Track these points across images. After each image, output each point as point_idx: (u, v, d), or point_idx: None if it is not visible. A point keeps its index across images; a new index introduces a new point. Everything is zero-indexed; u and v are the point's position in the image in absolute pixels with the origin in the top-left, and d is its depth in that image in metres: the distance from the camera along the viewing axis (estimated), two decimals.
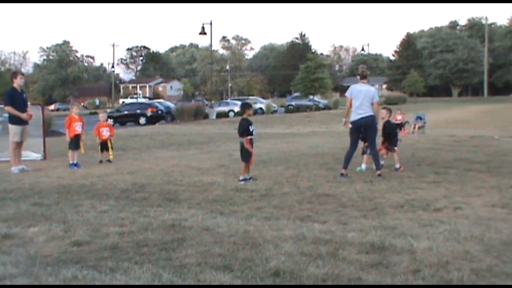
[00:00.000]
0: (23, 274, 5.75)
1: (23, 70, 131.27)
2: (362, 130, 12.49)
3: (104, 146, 16.28)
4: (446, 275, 5.45)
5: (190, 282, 5.41)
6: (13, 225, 8.08)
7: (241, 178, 11.82)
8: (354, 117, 12.32)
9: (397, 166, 13.02)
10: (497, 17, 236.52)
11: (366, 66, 14.00)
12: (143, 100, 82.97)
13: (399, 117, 27.75)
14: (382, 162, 12.75)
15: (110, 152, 16.25)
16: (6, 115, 15.33)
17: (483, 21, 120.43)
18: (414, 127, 27.83)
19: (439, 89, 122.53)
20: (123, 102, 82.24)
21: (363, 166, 13.18)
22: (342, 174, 12.05)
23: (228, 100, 73.17)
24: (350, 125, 12.55)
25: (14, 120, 14.74)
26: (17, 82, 14.98)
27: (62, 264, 6.08)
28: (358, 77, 12.72)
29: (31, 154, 17.43)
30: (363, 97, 12.20)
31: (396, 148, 13.43)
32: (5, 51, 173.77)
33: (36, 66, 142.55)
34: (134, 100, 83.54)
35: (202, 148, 20.37)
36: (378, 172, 12.08)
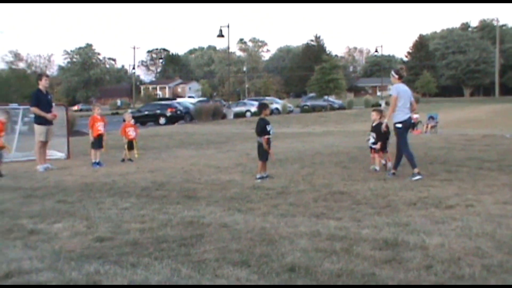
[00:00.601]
0: (48, 268, 5.80)
1: (48, 72, 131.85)
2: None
3: (130, 145, 16.40)
4: (458, 271, 5.43)
5: (208, 277, 5.42)
6: (39, 221, 8.16)
7: (258, 176, 11.83)
8: (402, 116, 11.71)
9: (377, 168, 12.78)
10: (508, 19, 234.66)
11: (404, 67, 13.29)
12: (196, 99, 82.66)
13: (415, 116, 27.61)
14: (388, 163, 12.73)
15: (135, 151, 16.36)
16: (32, 115, 15.46)
17: (495, 23, 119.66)
18: (427, 127, 27.67)
19: (451, 90, 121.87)
20: (176, 101, 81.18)
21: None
22: (419, 173, 11.37)
23: (245, 101, 73.10)
24: (399, 125, 11.74)
25: (39, 120, 14.87)
26: (42, 84, 15.13)
27: (85, 259, 6.12)
28: (396, 76, 12.08)
29: (55, 153, 17.57)
30: (407, 97, 11.84)
31: (387, 151, 13.08)
32: (31, 54, 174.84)
33: (60, 68, 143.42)
34: (191, 100, 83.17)
35: (220, 147, 20.38)
36: (393, 171, 11.91)
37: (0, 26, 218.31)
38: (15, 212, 8.96)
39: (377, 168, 12.77)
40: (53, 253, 6.39)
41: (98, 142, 15.40)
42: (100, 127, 15.58)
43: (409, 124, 12.06)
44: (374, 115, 13.31)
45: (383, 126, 12.36)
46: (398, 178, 11.44)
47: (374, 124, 13.21)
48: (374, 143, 13.01)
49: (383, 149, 12.99)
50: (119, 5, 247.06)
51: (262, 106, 12.80)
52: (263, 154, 11.89)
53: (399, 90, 11.80)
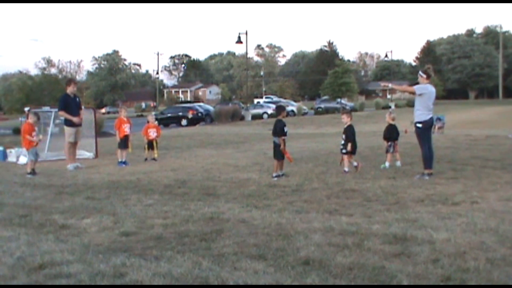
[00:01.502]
0: (78, 260, 5.84)
1: (77, 77, 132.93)
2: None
3: (150, 145, 16.42)
4: (463, 264, 5.40)
5: (228, 269, 5.43)
6: (69, 217, 8.22)
7: (274, 174, 11.82)
8: (425, 117, 11.30)
9: (346, 169, 12.27)
10: (511, 26, 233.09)
11: (431, 67, 12.38)
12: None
13: None
14: (346, 168, 12.22)
15: (155, 151, 16.37)
16: (62, 118, 15.58)
17: (498, 29, 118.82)
18: (434, 128, 27.44)
19: (457, 92, 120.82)
20: (258, 102, 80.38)
21: (387, 164, 13.02)
22: (428, 174, 11.12)
23: (262, 103, 73.01)
24: (419, 125, 11.33)
25: (68, 122, 14.97)
26: (70, 90, 15.26)
27: (112, 252, 6.16)
28: (424, 76, 11.53)
29: (84, 153, 17.67)
30: (432, 99, 11.40)
31: (353, 154, 12.66)
32: (63, 61, 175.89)
33: (89, 73, 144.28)
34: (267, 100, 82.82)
35: (238, 147, 20.39)
36: (428, 171, 11.27)
37: (36, 34, 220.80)
38: (48, 208, 9.04)
39: (346, 169, 12.28)
40: (82, 247, 6.43)
41: (124, 143, 15.47)
42: (126, 128, 15.66)
43: (429, 125, 11.61)
44: (345, 118, 12.89)
45: (413, 128, 11.58)
46: (406, 177, 11.39)
47: (345, 127, 12.82)
48: (343, 145, 12.55)
49: (353, 151, 12.55)
50: (143, 14, 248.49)
51: (280, 108, 12.77)
52: (279, 153, 11.88)
53: (426, 91, 11.34)
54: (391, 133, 13.38)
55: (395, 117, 13.66)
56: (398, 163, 13.03)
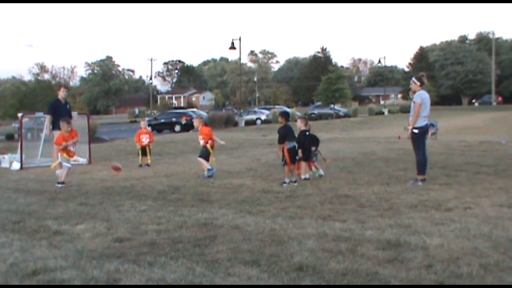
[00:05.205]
0: (72, 266, 5.83)
1: (71, 83, 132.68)
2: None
3: (143, 151, 16.41)
4: (456, 269, 5.42)
5: (221, 275, 5.44)
6: (62, 223, 8.20)
7: (302, 177, 11.82)
8: (421, 122, 11.29)
9: (307, 176, 12.07)
10: (504, 32, 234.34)
11: (425, 74, 12.38)
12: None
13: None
14: (294, 178, 11.79)
15: (148, 157, 16.36)
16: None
17: (491, 36, 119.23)
18: (428, 134, 27.58)
19: (450, 98, 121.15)
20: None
21: (321, 171, 12.64)
22: (422, 180, 11.12)
23: (256, 109, 72.98)
24: (415, 131, 11.27)
25: (58, 127, 14.95)
26: (60, 95, 15.35)
27: (106, 258, 6.15)
28: (418, 83, 11.57)
29: (77, 159, 17.60)
30: (428, 105, 11.42)
31: (313, 160, 12.51)
32: (56, 66, 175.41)
33: (82, 79, 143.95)
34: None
35: (232, 153, 20.35)
36: (422, 177, 11.28)
37: (30, 40, 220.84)
38: (41, 214, 9.02)
39: (307, 176, 12.11)
40: (76, 252, 6.42)
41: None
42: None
43: (425, 131, 11.65)
44: (299, 122, 12.74)
45: (408, 133, 11.55)
46: (400, 182, 11.41)
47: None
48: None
49: (306, 157, 12.25)
50: (137, 19, 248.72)
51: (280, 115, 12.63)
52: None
53: (423, 97, 11.35)
54: (313, 140, 12.84)
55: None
56: (315, 172, 12.71)
